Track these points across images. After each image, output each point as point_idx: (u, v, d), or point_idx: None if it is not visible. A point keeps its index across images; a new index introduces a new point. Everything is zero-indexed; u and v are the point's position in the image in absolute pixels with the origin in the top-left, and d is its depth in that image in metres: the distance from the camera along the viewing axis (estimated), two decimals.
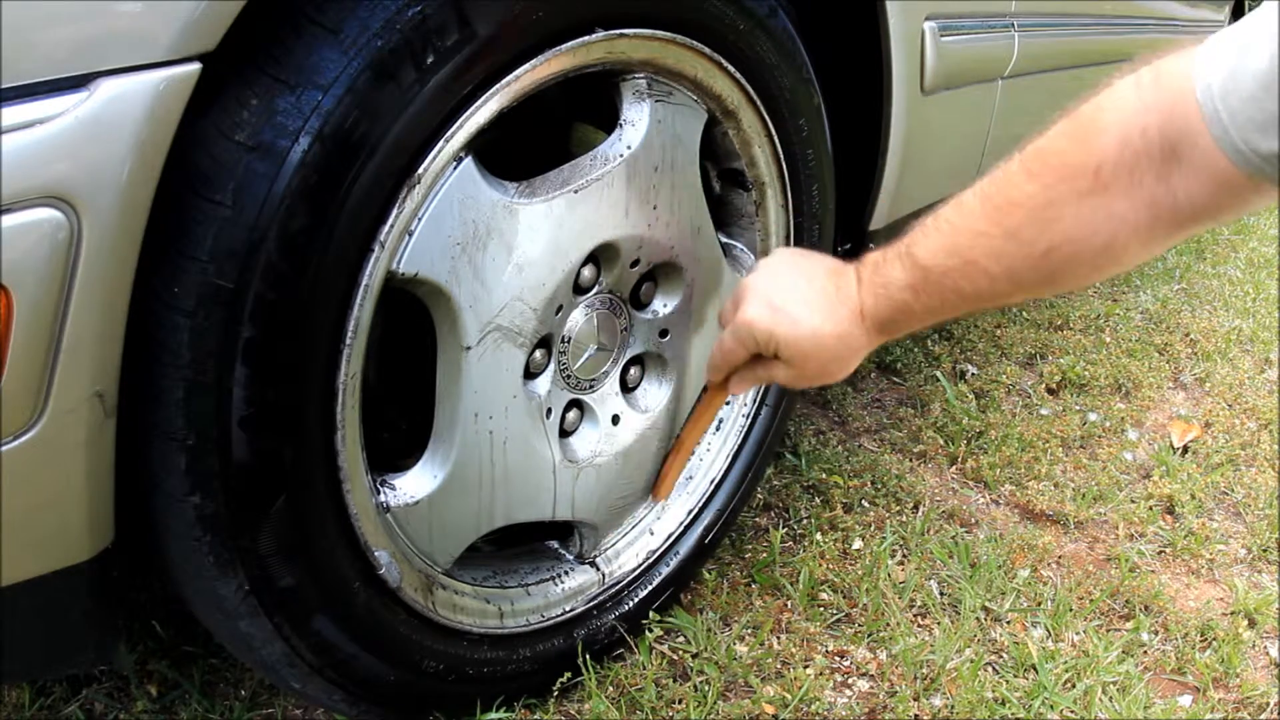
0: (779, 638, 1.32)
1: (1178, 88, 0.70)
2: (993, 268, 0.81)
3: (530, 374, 1.04)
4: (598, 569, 1.22)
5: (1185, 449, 1.99)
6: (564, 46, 0.90)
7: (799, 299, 0.94)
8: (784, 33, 1.14)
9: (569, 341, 1.07)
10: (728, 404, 1.35)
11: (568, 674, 1.16)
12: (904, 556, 1.52)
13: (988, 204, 0.81)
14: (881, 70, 1.30)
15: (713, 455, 1.34)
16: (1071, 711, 1.25)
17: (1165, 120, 0.71)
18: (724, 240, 1.24)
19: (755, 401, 1.35)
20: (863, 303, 0.92)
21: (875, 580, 1.43)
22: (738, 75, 1.10)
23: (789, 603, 1.38)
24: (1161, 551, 1.64)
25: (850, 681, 1.27)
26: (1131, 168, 0.73)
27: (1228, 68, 0.67)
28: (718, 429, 1.34)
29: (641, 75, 1.03)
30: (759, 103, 1.14)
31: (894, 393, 2.07)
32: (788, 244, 1.29)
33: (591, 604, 1.20)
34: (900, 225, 1.55)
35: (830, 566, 1.46)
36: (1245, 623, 1.46)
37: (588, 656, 1.18)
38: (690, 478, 1.32)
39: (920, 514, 1.61)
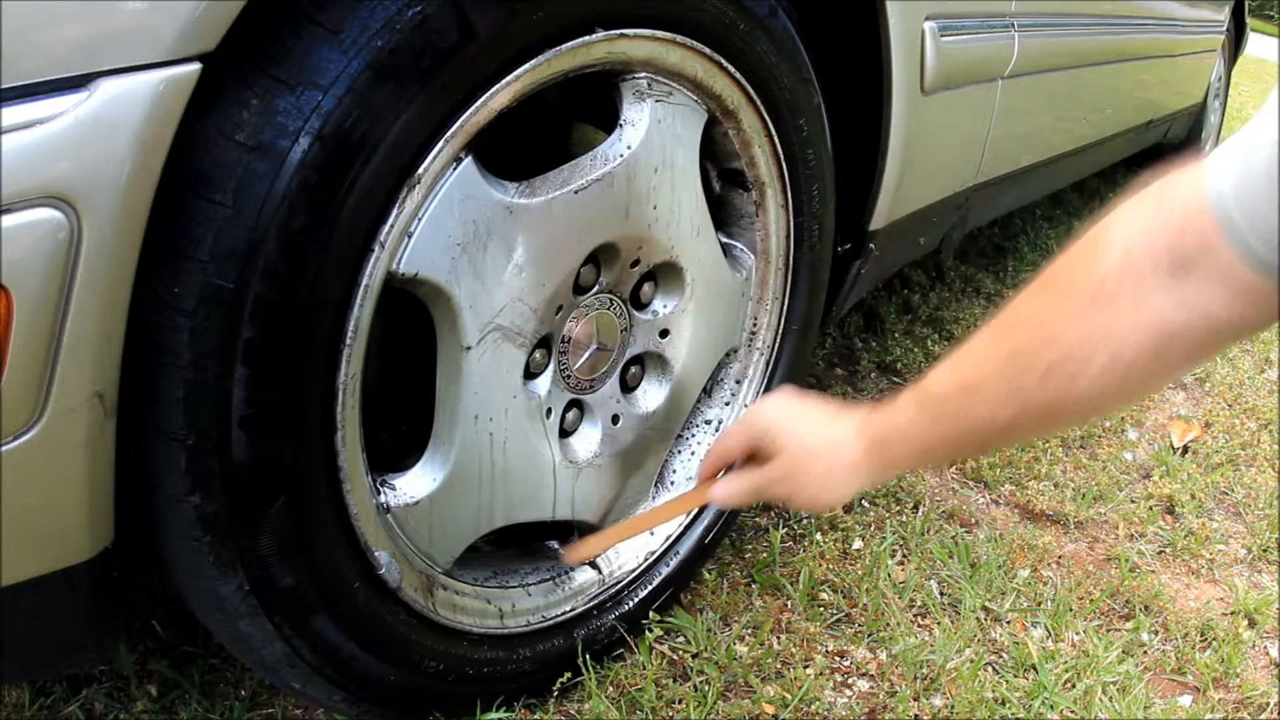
0: (779, 638, 1.32)
1: (1187, 200, 0.67)
2: (994, 391, 0.77)
3: (530, 374, 1.04)
4: (598, 569, 1.22)
5: (1185, 449, 1.99)
6: (564, 46, 0.90)
7: (805, 405, 0.96)
8: (784, 33, 1.14)
9: (569, 341, 1.07)
10: (726, 404, 1.35)
11: (568, 674, 1.16)
12: (904, 556, 1.52)
13: (995, 326, 0.79)
14: (881, 70, 1.30)
15: None
16: (1071, 711, 1.25)
17: (1175, 234, 0.67)
18: (724, 240, 1.24)
19: (756, 402, 1.35)
20: (865, 418, 0.91)
21: (875, 580, 1.43)
22: (738, 75, 1.10)
23: (789, 603, 1.38)
24: (1161, 551, 1.64)
25: (850, 681, 1.27)
26: (1136, 284, 0.69)
27: (1238, 170, 0.64)
28: (717, 430, 1.34)
29: (642, 75, 1.03)
30: (759, 103, 1.14)
31: (894, 393, 2.07)
32: (788, 244, 1.29)
33: (592, 604, 1.20)
34: (900, 225, 1.56)
35: (830, 566, 1.46)
36: (1245, 623, 1.46)
37: (588, 656, 1.18)
38: (690, 478, 1.32)
39: (920, 514, 1.61)
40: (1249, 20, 4.68)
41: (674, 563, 1.29)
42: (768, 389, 1.36)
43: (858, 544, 1.52)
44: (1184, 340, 0.69)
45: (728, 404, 1.35)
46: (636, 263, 1.10)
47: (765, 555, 1.45)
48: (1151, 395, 0.83)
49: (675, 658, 1.26)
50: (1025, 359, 0.75)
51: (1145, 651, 1.39)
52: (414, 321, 0.96)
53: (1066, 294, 0.73)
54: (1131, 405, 0.79)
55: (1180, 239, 0.67)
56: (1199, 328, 0.68)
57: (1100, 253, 0.71)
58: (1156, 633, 1.43)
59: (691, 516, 1.31)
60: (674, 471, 1.32)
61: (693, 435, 1.34)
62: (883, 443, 0.88)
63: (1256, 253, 0.63)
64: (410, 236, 0.85)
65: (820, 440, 0.92)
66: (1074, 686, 1.29)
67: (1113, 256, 0.70)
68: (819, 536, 1.51)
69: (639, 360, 1.19)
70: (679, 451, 1.32)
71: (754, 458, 0.99)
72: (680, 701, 1.19)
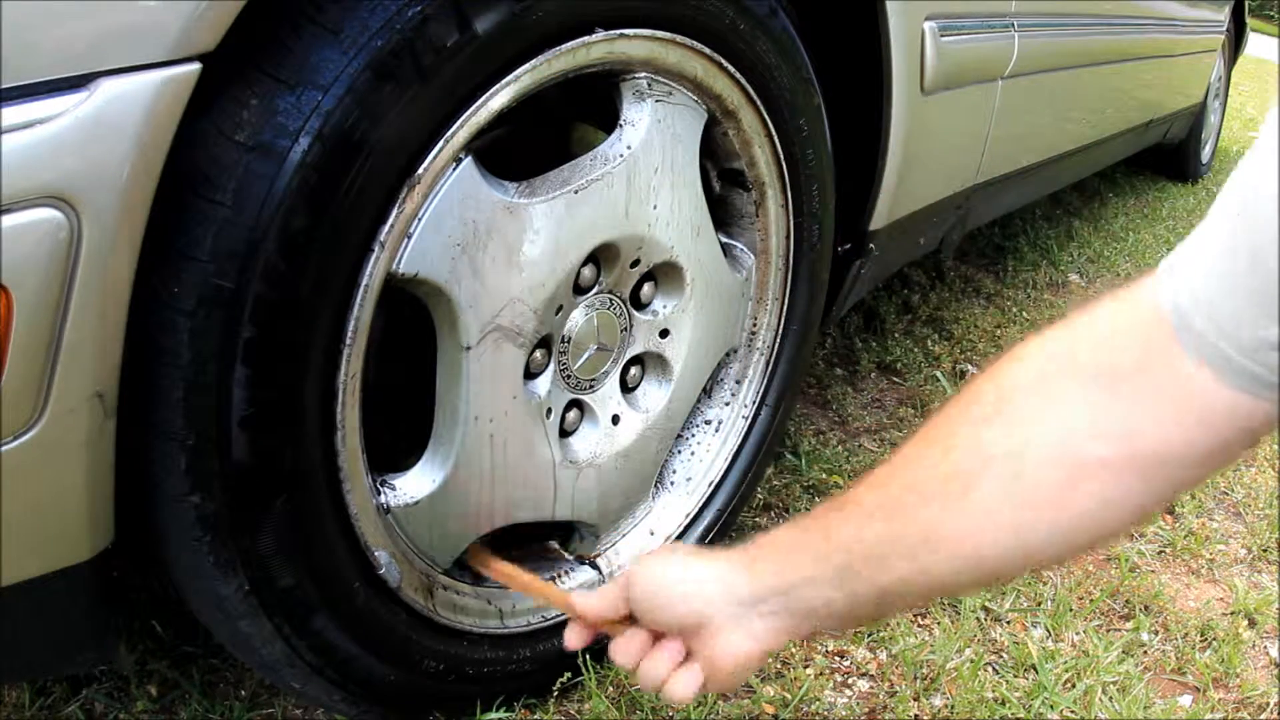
0: None
1: (1132, 314, 0.58)
2: (870, 502, 0.68)
3: (530, 374, 1.04)
4: (598, 569, 1.22)
5: None
6: (564, 46, 0.90)
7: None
8: (784, 33, 1.14)
9: (569, 341, 1.07)
10: (726, 404, 1.35)
11: (568, 674, 1.16)
12: None
13: (918, 433, 0.69)
14: (881, 70, 1.30)
15: (712, 456, 1.34)
16: (1071, 711, 1.25)
17: (1107, 348, 0.59)
18: (724, 240, 1.24)
19: (755, 402, 1.35)
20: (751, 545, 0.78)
21: None
22: (738, 75, 1.10)
23: None
24: (1161, 551, 1.64)
25: (850, 681, 1.27)
26: (1048, 395, 0.60)
27: (1199, 268, 0.56)
28: (716, 430, 1.34)
29: (642, 75, 1.03)
30: (759, 103, 1.14)
31: (894, 393, 2.07)
32: (788, 244, 1.29)
33: None
34: (900, 225, 1.56)
35: None
36: (1245, 623, 1.46)
37: (588, 656, 1.18)
38: (690, 479, 1.32)
39: None
40: (1249, 20, 4.68)
41: None
42: (767, 389, 1.36)
43: None
44: (1099, 474, 0.59)
45: (727, 404, 1.35)
46: (636, 263, 1.10)
47: None
48: (1054, 561, 0.67)
49: None
50: (912, 470, 0.66)
51: (1145, 651, 1.39)
52: (414, 321, 0.96)
53: (968, 403, 0.65)
54: (1026, 566, 0.64)
55: (1115, 352, 0.59)
56: (1119, 460, 0.58)
57: (1011, 364, 0.64)
58: (1156, 633, 1.43)
59: (691, 517, 1.31)
60: (674, 472, 1.32)
61: (693, 435, 1.34)
62: (755, 548, 0.77)
63: (1226, 355, 0.54)
64: (410, 236, 0.85)
65: (690, 558, 0.81)
66: (1074, 686, 1.29)
67: (1024, 367, 0.63)
68: None
69: (639, 360, 1.19)
70: (679, 451, 1.32)
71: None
72: None
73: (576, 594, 0.89)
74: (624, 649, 0.81)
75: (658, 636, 0.80)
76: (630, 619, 0.82)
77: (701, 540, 1.31)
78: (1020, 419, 0.61)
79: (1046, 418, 0.60)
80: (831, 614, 0.71)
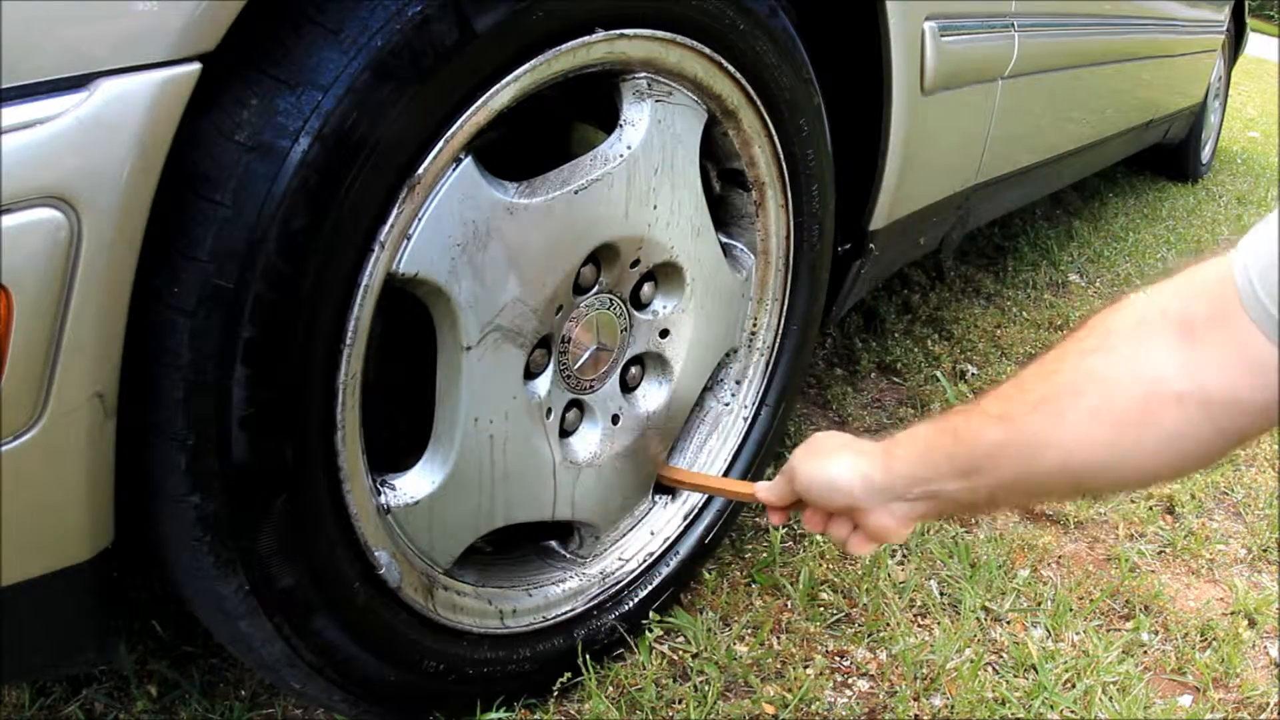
0: (779, 638, 1.32)
1: (1213, 274, 0.68)
2: (991, 408, 0.79)
3: (530, 374, 1.04)
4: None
5: None
6: (564, 46, 0.90)
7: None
8: (784, 33, 1.14)
9: (569, 341, 1.07)
10: (726, 404, 1.35)
11: (568, 674, 1.16)
12: (904, 556, 1.52)
13: (1021, 369, 0.81)
14: (881, 70, 1.30)
15: (713, 456, 1.34)
16: (1071, 711, 1.25)
17: (1191, 300, 0.68)
18: (724, 240, 1.24)
19: (755, 402, 1.35)
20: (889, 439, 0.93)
21: (875, 580, 1.43)
22: (738, 75, 1.10)
23: (789, 603, 1.38)
24: (1161, 551, 1.64)
25: (850, 681, 1.27)
26: (1139, 336, 0.70)
27: (1264, 242, 0.65)
28: (715, 431, 1.34)
29: (642, 75, 1.03)
30: (759, 103, 1.14)
31: (894, 393, 2.07)
32: (788, 244, 1.29)
33: (591, 604, 1.20)
34: (900, 225, 1.56)
35: (830, 566, 1.46)
36: (1245, 623, 1.46)
37: (588, 656, 1.18)
38: (690, 468, 1.32)
39: None
40: (1249, 20, 4.68)
41: (674, 563, 1.29)
42: (767, 389, 1.36)
43: None
44: (1174, 408, 0.68)
45: (727, 404, 1.35)
46: (636, 263, 1.10)
47: (765, 555, 1.45)
48: (1139, 483, 0.80)
49: (675, 658, 1.26)
50: (1028, 385, 0.76)
51: (1145, 651, 1.39)
52: (414, 321, 0.96)
53: (1079, 338, 0.75)
54: (1112, 480, 0.75)
55: (1194, 304, 0.68)
56: (1191, 399, 0.67)
57: (1119, 309, 0.73)
58: (1156, 633, 1.43)
59: (691, 517, 1.31)
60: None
61: (693, 435, 1.34)
62: (892, 446, 0.89)
63: (1273, 318, 0.63)
64: (410, 236, 0.85)
65: (841, 441, 0.96)
66: (1074, 686, 1.29)
67: (1128, 312, 0.72)
68: (819, 536, 1.51)
69: (639, 360, 1.19)
70: (679, 451, 1.32)
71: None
72: (680, 701, 1.19)
73: (760, 486, 1.09)
74: (810, 521, 1.00)
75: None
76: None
77: (701, 540, 1.31)
78: (1116, 353, 0.71)
79: (1138, 354, 0.69)
80: (955, 503, 0.84)
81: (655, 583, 1.27)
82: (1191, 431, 0.68)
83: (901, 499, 0.88)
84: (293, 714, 1.14)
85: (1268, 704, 1.32)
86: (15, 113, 0.60)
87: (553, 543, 1.23)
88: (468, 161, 0.88)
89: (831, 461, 0.94)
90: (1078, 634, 1.39)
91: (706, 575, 1.37)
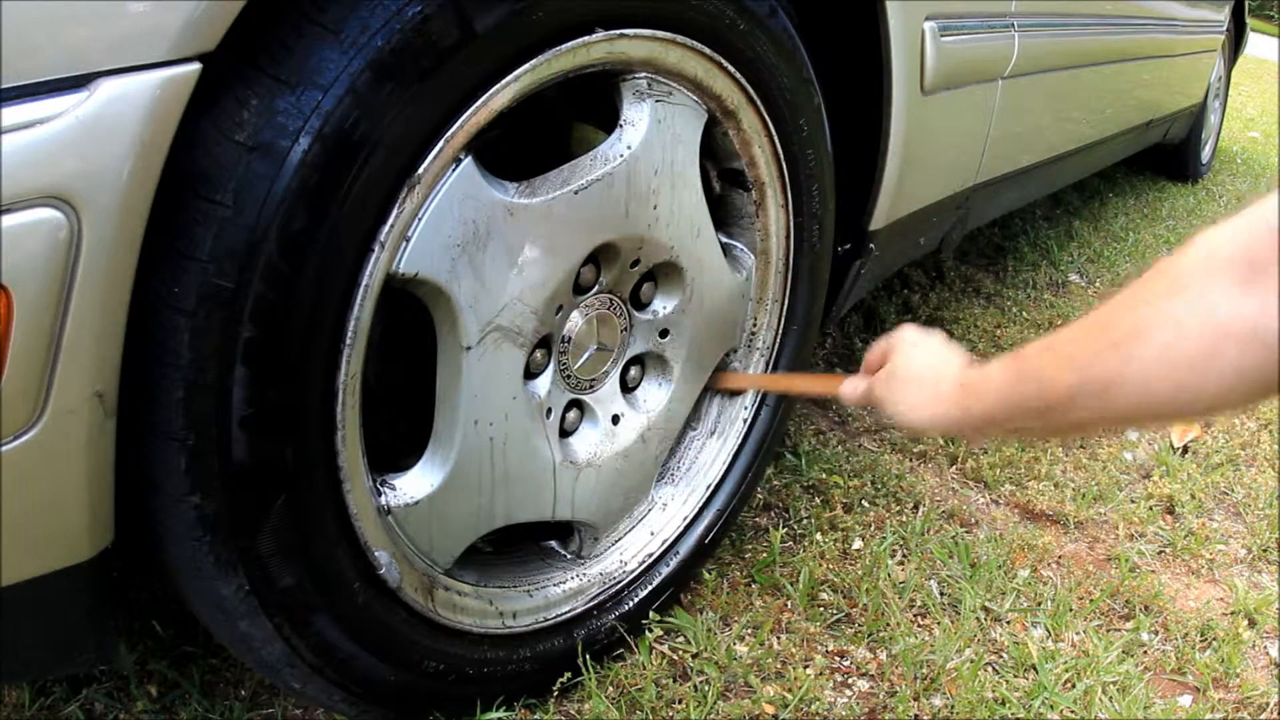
0: (779, 638, 1.32)
1: (1273, 212, 0.69)
2: (1063, 352, 0.82)
3: (530, 374, 1.04)
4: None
5: (1185, 449, 1.99)
6: (564, 46, 0.90)
7: (937, 338, 1.04)
8: (784, 33, 1.14)
9: (569, 341, 1.07)
10: (730, 398, 1.35)
11: (568, 674, 1.16)
12: (904, 556, 1.52)
13: (1092, 309, 0.83)
14: (881, 70, 1.30)
15: (712, 455, 1.34)
16: (1071, 711, 1.25)
17: (1255, 240, 0.70)
18: (724, 240, 1.24)
19: (755, 403, 1.35)
20: (969, 363, 0.96)
21: (875, 580, 1.43)
22: (738, 75, 1.10)
23: (789, 603, 1.38)
24: (1161, 551, 1.64)
25: (850, 681, 1.27)
26: (1206, 277, 0.72)
27: None
28: (714, 432, 1.34)
29: (642, 75, 1.03)
30: (759, 103, 1.14)
31: None
32: (788, 244, 1.29)
33: (591, 604, 1.20)
34: (900, 225, 1.56)
35: (830, 566, 1.46)
36: (1245, 623, 1.46)
37: (588, 656, 1.18)
38: (690, 469, 1.32)
39: (920, 514, 1.61)
40: (1249, 20, 4.68)
41: (674, 563, 1.29)
42: (767, 391, 1.36)
43: (858, 544, 1.52)
44: (1239, 349, 0.70)
45: (727, 404, 1.35)
46: (636, 263, 1.10)
47: (765, 555, 1.45)
48: (1206, 414, 0.85)
49: (675, 658, 1.26)
50: (1098, 329, 0.80)
51: (1145, 651, 1.39)
52: (414, 321, 0.96)
53: (1149, 281, 0.77)
54: (1183, 415, 0.80)
55: (1258, 245, 0.69)
56: (1256, 338, 0.70)
57: (1188, 249, 0.75)
58: (1156, 633, 1.43)
59: (691, 517, 1.31)
60: (674, 471, 1.32)
61: (693, 435, 1.34)
62: (971, 389, 0.92)
63: None
64: (410, 236, 0.85)
65: (927, 365, 0.98)
66: (1074, 686, 1.29)
67: (1196, 252, 0.74)
68: (819, 536, 1.51)
69: (639, 360, 1.19)
70: (679, 451, 1.32)
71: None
72: (680, 701, 1.19)
73: (845, 388, 1.09)
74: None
75: None
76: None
77: (701, 540, 1.31)
78: (1183, 297, 0.73)
79: (1204, 296, 0.72)
80: (1030, 433, 0.89)
81: (655, 583, 1.27)
82: (1258, 367, 0.71)
83: (976, 431, 0.93)
84: (293, 714, 1.14)
85: (1268, 704, 1.32)
86: (15, 113, 0.60)
87: (553, 543, 1.23)
88: (468, 161, 0.88)
89: (913, 393, 0.97)
90: (1078, 634, 1.39)
91: (706, 575, 1.37)
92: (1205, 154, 4.54)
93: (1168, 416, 0.79)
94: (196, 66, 0.67)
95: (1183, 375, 0.74)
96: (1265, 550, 1.67)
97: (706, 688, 1.20)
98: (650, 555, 1.26)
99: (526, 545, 1.22)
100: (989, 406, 0.90)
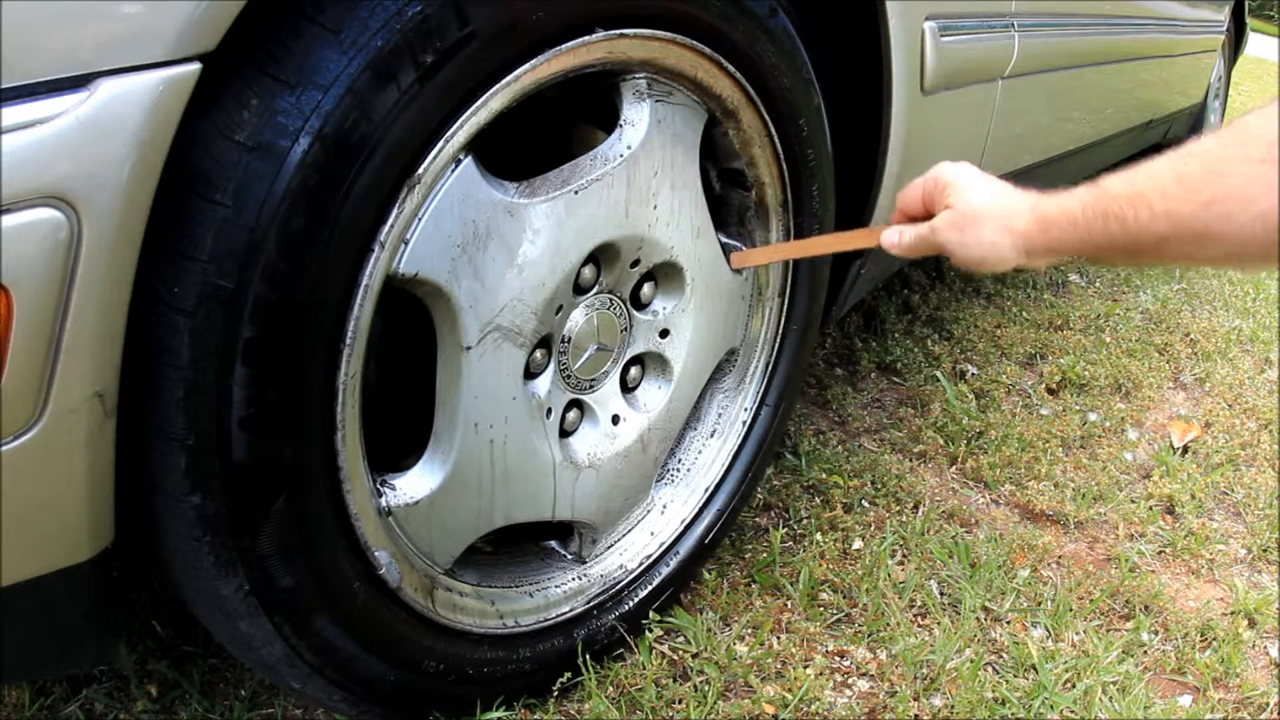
0: (779, 638, 1.32)
1: None
2: (1156, 203, 0.83)
3: (530, 374, 1.04)
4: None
5: (1185, 449, 1.99)
6: (564, 46, 0.90)
7: (984, 173, 1.00)
8: (784, 33, 1.14)
9: (569, 341, 1.07)
10: (726, 393, 1.35)
11: (568, 674, 1.16)
12: (904, 556, 1.52)
13: (1173, 155, 0.84)
14: (881, 70, 1.30)
15: (712, 455, 1.34)
16: (1071, 711, 1.25)
17: None
18: (724, 240, 1.24)
19: (755, 403, 1.35)
20: (1039, 197, 0.94)
21: (875, 580, 1.43)
22: (738, 75, 1.10)
23: (789, 603, 1.38)
24: (1161, 551, 1.64)
25: (850, 681, 1.27)
26: None
27: None
28: (713, 434, 1.34)
29: (642, 75, 1.03)
30: (759, 103, 1.14)
31: (894, 393, 2.07)
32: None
33: (591, 604, 1.20)
34: None
35: (830, 566, 1.46)
36: (1245, 623, 1.46)
37: (588, 656, 1.18)
38: (689, 470, 1.32)
39: (920, 514, 1.61)
40: (1249, 20, 4.68)
41: (674, 563, 1.29)
42: (767, 389, 1.36)
43: (858, 544, 1.52)
44: None
45: (727, 404, 1.35)
46: (636, 263, 1.10)
47: (765, 555, 1.45)
48: None
49: (675, 658, 1.26)
50: (1191, 185, 0.81)
51: (1145, 651, 1.39)
52: (414, 321, 0.96)
53: (1244, 142, 0.79)
54: (1267, 266, 0.85)
55: None
56: None
57: (1270, 116, 0.77)
58: (1156, 633, 1.43)
59: (691, 517, 1.31)
60: (674, 470, 1.32)
61: (693, 435, 1.34)
62: (1051, 223, 0.91)
63: None
64: (410, 237, 0.85)
65: (995, 204, 0.96)
66: (1074, 686, 1.29)
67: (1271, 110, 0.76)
68: (819, 536, 1.51)
69: (639, 360, 1.19)
70: (679, 451, 1.32)
71: (930, 215, 1.01)
72: (680, 701, 1.19)
73: (886, 237, 1.04)
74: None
75: None
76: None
77: (701, 540, 1.31)
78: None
79: None
80: (1104, 262, 0.89)
81: (655, 583, 1.27)
82: None
83: (1049, 259, 0.94)
84: (293, 714, 1.14)
85: (1268, 704, 1.32)
86: (15, 113, 0.60)
87: (553, 543, 1.23)
88: (468, 161, 0.88)
89: (988, 231, 0.94)
90: (1078, 634, 1.39)
91: (706, 575, 1.37)
92: None
93: (1251, 269, 0.82)
94: (196, 66, 0.67)
95: (1274, 244, 0.76)
96: (1265, 550, 1.67)
97: (706, 688, 1.20)
98: (650, 555, 1.26)
99: (526, 546, 1.22)
100: (1072, 242, 0.90)
